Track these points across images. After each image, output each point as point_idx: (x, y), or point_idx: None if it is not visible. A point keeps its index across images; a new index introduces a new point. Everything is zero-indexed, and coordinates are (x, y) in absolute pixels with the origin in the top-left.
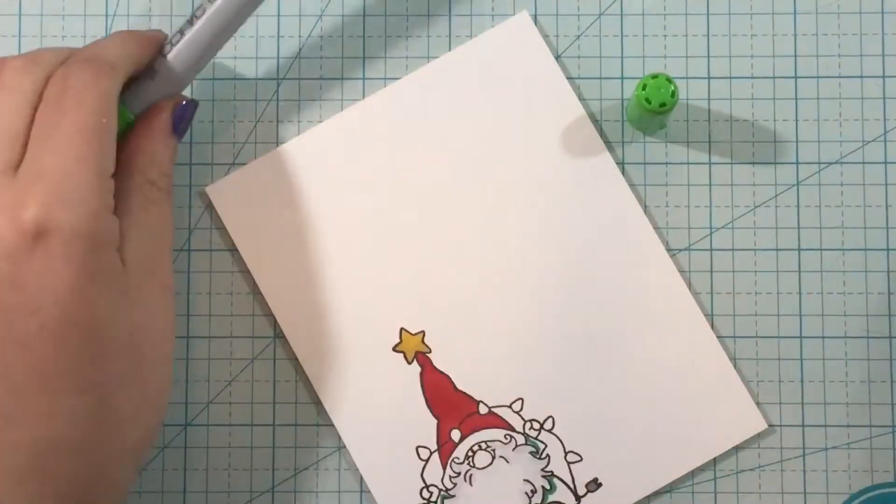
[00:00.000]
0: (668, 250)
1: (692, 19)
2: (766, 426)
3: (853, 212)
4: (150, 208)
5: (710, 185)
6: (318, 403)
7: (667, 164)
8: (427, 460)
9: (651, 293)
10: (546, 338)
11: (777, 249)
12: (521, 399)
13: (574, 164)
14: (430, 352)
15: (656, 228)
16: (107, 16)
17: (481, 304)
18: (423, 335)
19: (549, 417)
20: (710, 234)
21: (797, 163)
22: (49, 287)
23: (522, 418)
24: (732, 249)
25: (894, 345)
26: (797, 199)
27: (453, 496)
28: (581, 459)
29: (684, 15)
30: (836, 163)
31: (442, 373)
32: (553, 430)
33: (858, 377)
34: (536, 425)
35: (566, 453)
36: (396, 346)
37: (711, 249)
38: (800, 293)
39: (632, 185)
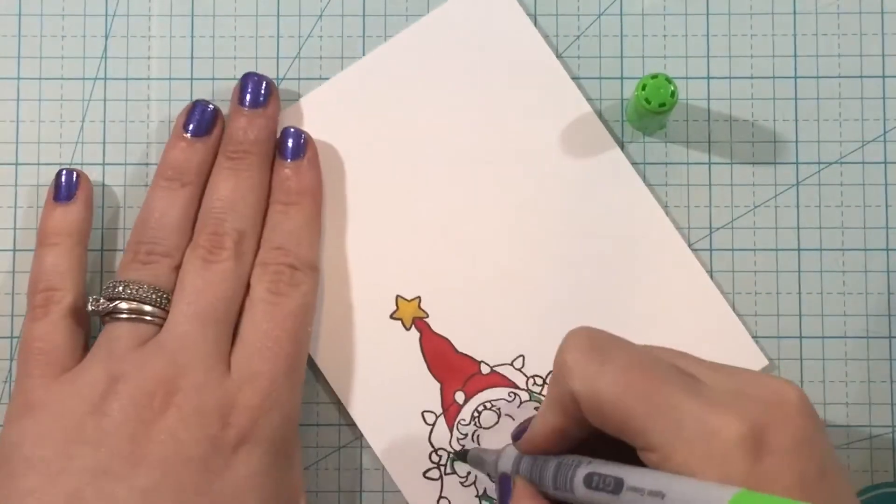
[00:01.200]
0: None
1: (692, 19)
2: (766, 362)
3: (853, 212)
4: None
5: (710, 185)
6: (318, 403)
7: (666, 164)
8: (433, 424)
9: (648, 248)
10: (544, 293)
11: (777, 249)
12: (522, 356)
13: (558, 122)
14: (428, 316)
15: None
16: (106, 16)
17: (475, 265)
18: (420, 300)
19: (551, 372)
20: (710, 234)
21: (797, 163)
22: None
23: (525, 375)
24: (732, 249)
25: (894, 345)
26: (797, 199)
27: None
28: None
29: (684, 15)
30: (835, 163)
31: (441, 336)
32: None
33: (858, 377)
34: (539, 381)
35: None
36: (393, 313)
37: (711, 249)
38: (799, 293)
39: None
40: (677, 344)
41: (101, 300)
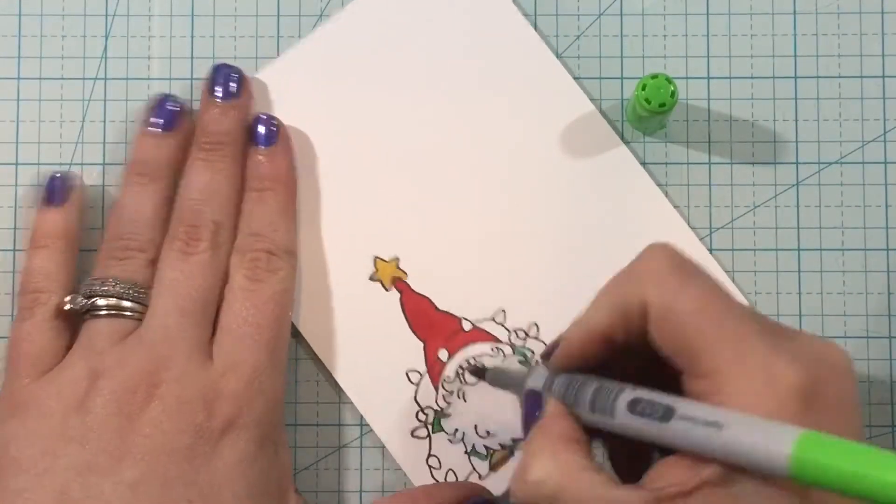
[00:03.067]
0: None
1: (692, 19)
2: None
3: (853, 212)
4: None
5: (710, 185)
6: (318, 403)
7: (666, 164)
8: (418, 384)
9: (624, 197)
10: (523, 247)
11: (777, 249)
12: (504, 310)
13: (539, 100)
14: (407, 276)
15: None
16: (107, 16)
17: (452, 222)
18: (398, 261)
19: (533, 324)
20: (710, 234)
21: (797, 163)
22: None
23: (507, 329)
24: (732, 249)
25: (894, 345)
26: (797, 199)
27: (449, 415)
28: None
29: (684, 15)
30: (835, 163)
31: (421, 295)
32: (539, 337)
33: (858, 377)
34: (522, 334)
35: None
36: (372, 275)
37: (711, 249)
38: (799, 293)
39: None
40: None
41: (79, 298)
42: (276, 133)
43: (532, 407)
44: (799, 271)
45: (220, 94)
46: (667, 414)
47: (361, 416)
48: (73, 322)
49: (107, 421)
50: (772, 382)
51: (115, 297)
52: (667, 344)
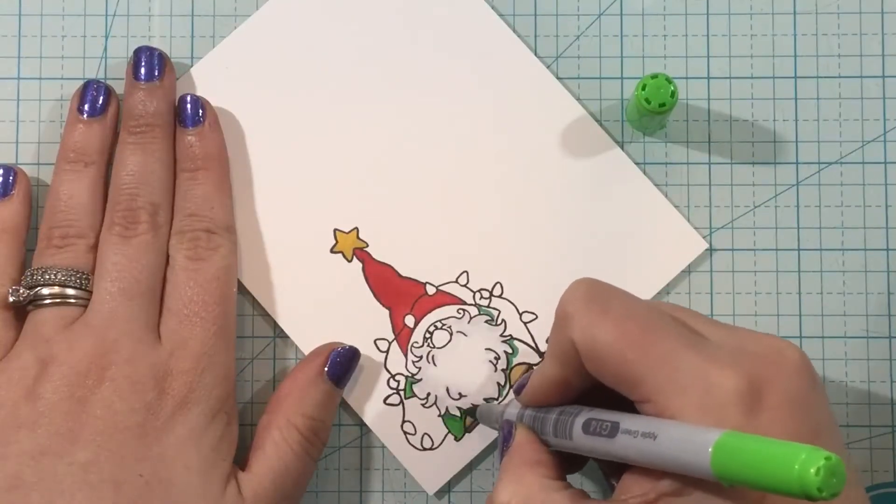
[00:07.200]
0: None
1: (692, 19)
2: (705, 246)
3: (853, 212)
4: (283, 448)
5: (710, 185)
6: None
7: (666, 164)
8: (387, 351)
9: (578, 154)
10: (481, 208)
11: (777, 249)
12: (466, 272)
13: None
14: (368, 246)
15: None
16: (107, 16)
17: (408, 190)
18: (357, 231)
19: (496, 283)
20: (710, 233)
21: (797, 163)
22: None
23: (471, 290)
24: (732, 249)
25: (894, 345)
26: (797, 199)
27: (420, 379)
28: (536, 317)
29: (684, 15)
30: (835, 163)
31: (384, 264)
32: (503, 296)
33: (858, 377)
34: (486, 294)
35: (521, 314)
36: (333, 247)
37: (711, 249)
38: (799, 293)
39: None
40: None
41: (22, 290)
42: (204, 112)
43: (507, 436)
44: (799, 271)
45: (144, 76)
46: (613, 430)
47: (361, 417)
48: (21, 313)
49: (58, 405)
50: (709, 393)
51: (59, 286)
52: (605, 378)
